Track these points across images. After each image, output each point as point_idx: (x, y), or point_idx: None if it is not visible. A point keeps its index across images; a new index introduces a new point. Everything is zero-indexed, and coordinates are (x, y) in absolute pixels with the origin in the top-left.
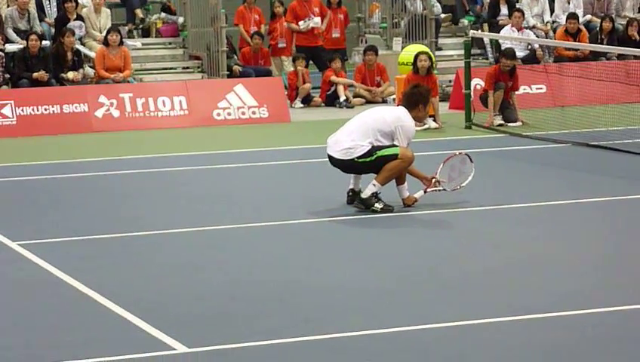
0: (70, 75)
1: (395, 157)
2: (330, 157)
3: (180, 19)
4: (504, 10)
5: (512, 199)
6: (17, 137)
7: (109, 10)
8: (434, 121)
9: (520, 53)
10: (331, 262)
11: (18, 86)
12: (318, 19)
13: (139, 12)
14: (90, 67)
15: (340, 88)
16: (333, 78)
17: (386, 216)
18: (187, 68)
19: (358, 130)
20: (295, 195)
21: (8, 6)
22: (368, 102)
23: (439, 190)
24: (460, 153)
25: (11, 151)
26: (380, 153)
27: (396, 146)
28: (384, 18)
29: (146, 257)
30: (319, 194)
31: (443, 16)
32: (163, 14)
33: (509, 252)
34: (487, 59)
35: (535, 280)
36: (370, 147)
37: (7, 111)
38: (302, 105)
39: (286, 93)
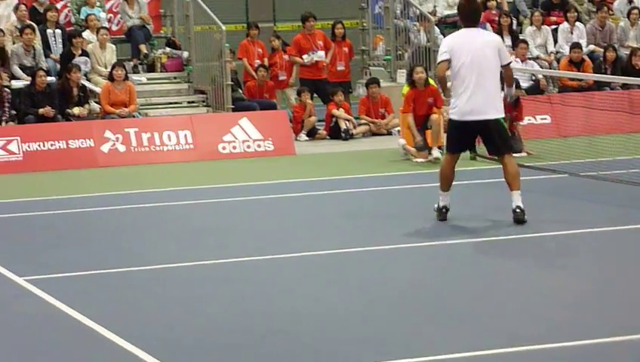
0: (76, 110)
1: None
2: (472, 123)
3: (185, 54)
4: (507, 41)
5: (515, 230)
6: (24, 173)
7: (114, 46)
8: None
9: (524, 84)
10: (336, 292)
11: (24, 122)
12: (322, 53)
13: (143, 47)
14: (96, 102)
15: (341, 119)
16: (334, 111)
17: (388, 248)
18: (192, 102)
19: (487, 72)
20: (301, 228)
21: (14, 43)
22: (373, 134)
23: None
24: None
25: (18, 187)
26: (503, 124)
27: (504, 120)
28: (388, 50)
29: (151, 291)
30: (325, 226)
31: None
32: (168, 49)
33: (510, 282)
34: None
35: (534, 310)
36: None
37: (13, 147)
38: (307, 138)
39: (291, 125)
